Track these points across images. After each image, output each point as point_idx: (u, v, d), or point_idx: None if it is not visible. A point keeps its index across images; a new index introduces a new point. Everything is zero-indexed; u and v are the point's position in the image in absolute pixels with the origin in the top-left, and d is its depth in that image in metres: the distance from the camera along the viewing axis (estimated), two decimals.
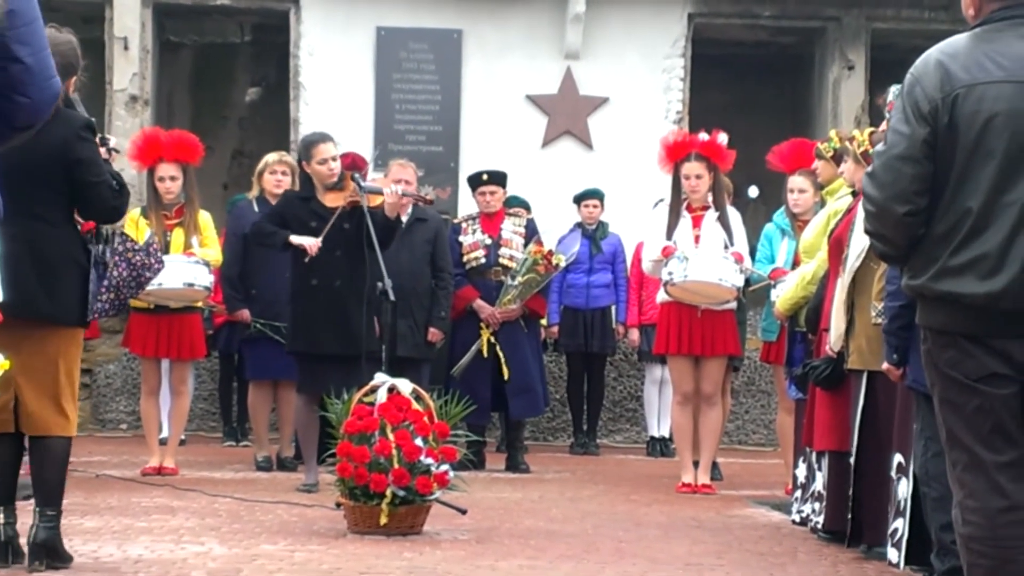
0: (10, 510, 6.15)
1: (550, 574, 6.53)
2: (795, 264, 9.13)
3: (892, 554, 6.63)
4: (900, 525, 6.54)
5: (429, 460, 7.38)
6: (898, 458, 6.61)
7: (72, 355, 6.16)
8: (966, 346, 4.09)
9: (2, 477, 6.18)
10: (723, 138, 9.98)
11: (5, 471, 6.19)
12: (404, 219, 9.46)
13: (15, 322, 5.82)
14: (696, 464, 10.09)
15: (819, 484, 7.84)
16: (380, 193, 9.27)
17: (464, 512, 7.68)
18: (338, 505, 7.73)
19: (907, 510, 6.46)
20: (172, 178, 10.09)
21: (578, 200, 12.91)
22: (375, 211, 9.13)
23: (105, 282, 6.18)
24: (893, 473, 6.65)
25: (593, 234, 12.73)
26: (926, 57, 4.23)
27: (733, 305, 9.99)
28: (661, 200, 10.68)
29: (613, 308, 12.84)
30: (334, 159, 9.26)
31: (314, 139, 9.39)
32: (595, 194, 12.87)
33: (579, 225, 12.84)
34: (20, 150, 5.05)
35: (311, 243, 9.04)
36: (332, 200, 9.18)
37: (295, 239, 9.10)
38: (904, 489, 6.52)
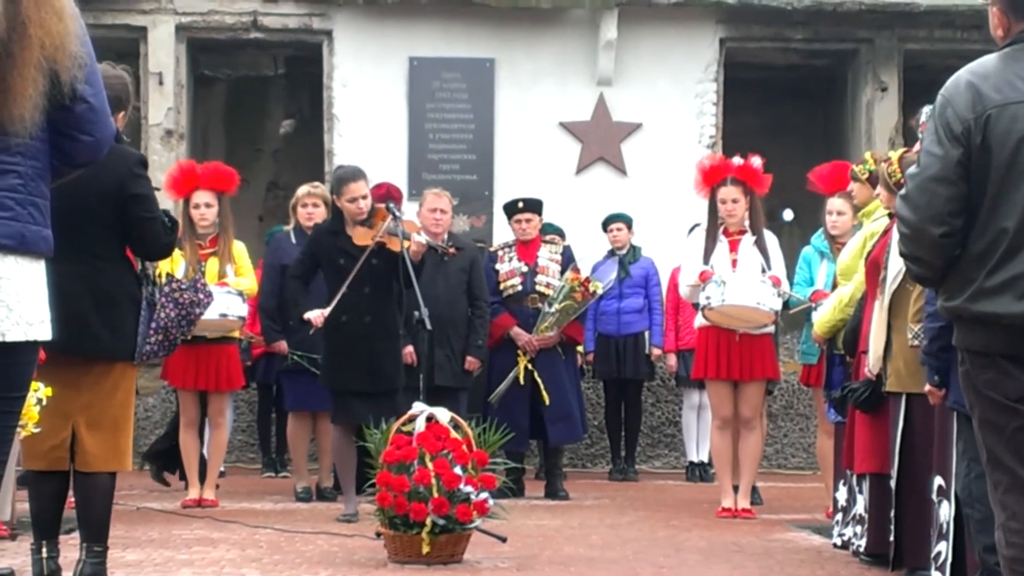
0: (53, 544, 6.19)
1: None
2: (835, 286, 9.11)
3: None
4: (944, 548, 6.49)
5: (468, 488, 7.38)
6: (938, 481, 6.58)
7: (128, 389, 6.24)
8: (1005, 366, 4.07)
9: (48, 513, 6.23)
10: (757, 162, 9.98)
11: (52, 507, 6.24)
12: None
13: (74, 359, 5.91)
14: (736, 488, 10.06)
15: (860, 507, 7.81)
16: (405, 238, 9.24)
17: (504, 540, 7.68)
18: (378, 535, 7.74)
19: (950, 533, 6.42)
20: (207, 205, 10.12)
21: (605, 225, 12.89)
22: (395, 252, 9.17)
23: (153, 324, 6.23)
24: (934, 496, 6.61)
25: (623, 259, 12.70)
26: (956, 78, 4.23)
27: (771, 329, 9.97)
28: (697, 225, 10.68)
29: (647, 333, 12.79)
30: (364, 197, 9.24)
31: (345, 176, 9.35)
32: (620, 218, 12.82)
33: (612, 251, 12.81)
34: (77, 188, 5.20)
35: (316, 318, 9.13)
36: (361, 237, 9.17)
37: (307, 315, 9.20)
38: (946, 512, 6.48)
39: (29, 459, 6.23)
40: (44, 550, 6.15)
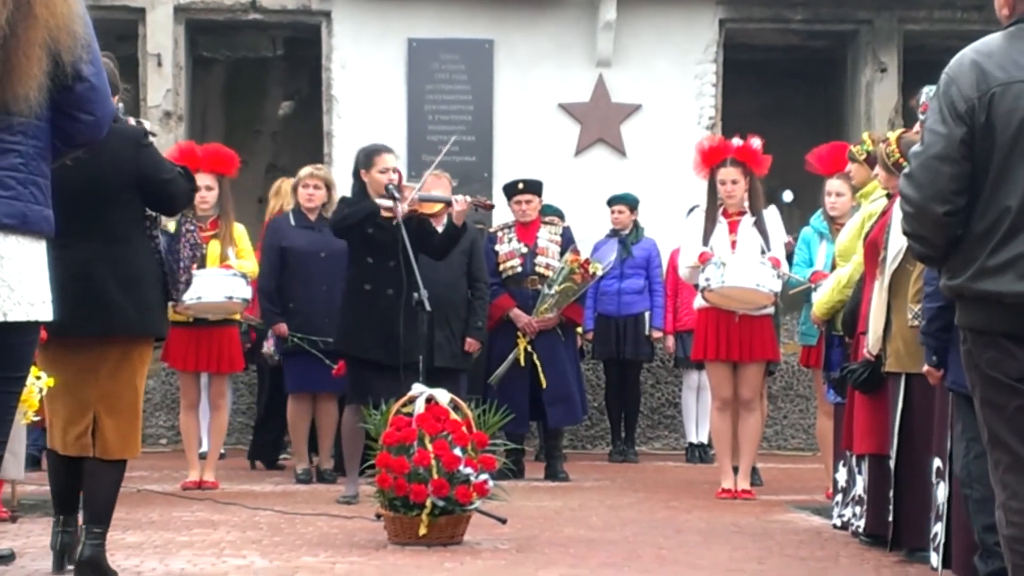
0: (71, 519, 6.25)
1: None
2: (834, 267, 9.11)
3: (933, 558, 6.60)
4: (940, 529, 6.51)
5: (468, 470, 7.38)
6: (937, 462, 6.58)
7: (144, 374, 6.27)
8: (1007, 346, 4.07)
9: (67, 490, 6.31)
10: (757, 143, 9.97)
11: (70, 484, 6.29)
12: (439, 229, 9.49)
13: (94, 344, 5.94)
14: (736, 470, 10.07)
15: (860, 488, 7.81)
16: (442, 202, 9.30)
17: (504, 521, 7.69)
18: (378, 516, 7.74)
19: (945, 514, 6.43)
20: (208, 188, 10.10)
21: (609, 204, 12.88)
22: (425, 220, 9.18)
23: (182, 264, 6.34)
24: (932, 477, 6.62)
25: (625, 239, 12.69)
26: (961, 57, 4.22)
27: (771, 310, 9.97)
28: (695, 207, 10.67)
29: (647, 314, 12.78)
30: (395, 170, 9.30)
31: (377, 149, 9.43)
32: (622, 199, 12.79)
33: (614, 231, 12.79)
34: (93, 172, 5.54)
35: (399, 209, 9.05)
36: (387, 211, 9.19)
37: (382, 202, 9.08)
38: (943, 493, 6.49)
39: (56, 443, 6.25)
40: (60, 525, 6.21)
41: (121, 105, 6.31)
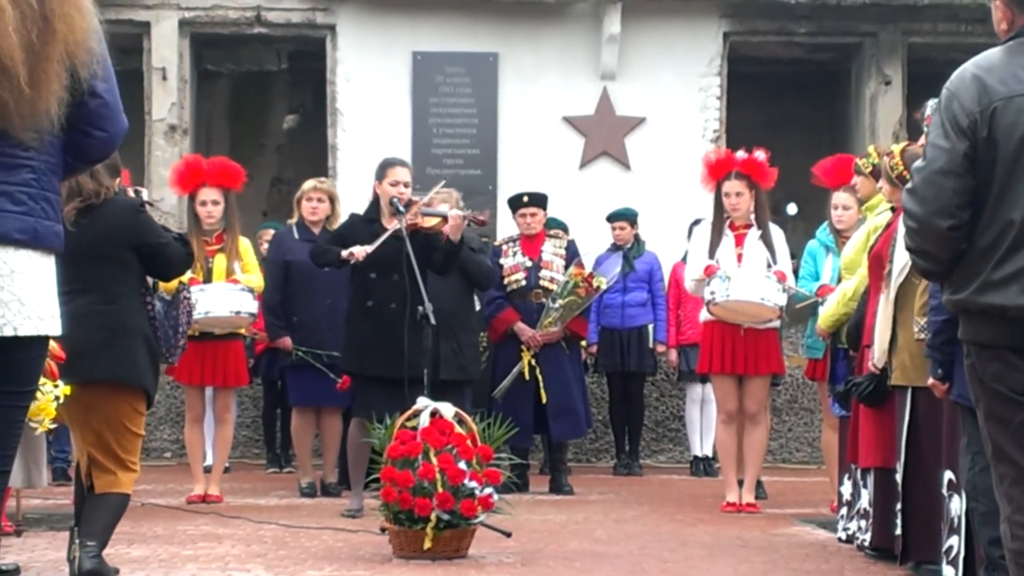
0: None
1: None
2: (840, 280, 9.10)
3: (948, 571, 6.57)
4: (955, 542, 6.48)
5: (473, 483, 7.38)
6: (948, 475, 6.57)
7: (137, 421, 6.49)
8: (1011, 359, 4.07)
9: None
10: (761, 156, 9.97)
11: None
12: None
13: (89, 391, 6.10)
14: (740, 483, 10.06)
15: (865, 501, 7.81)
16: (440, 216, 9.30)
17: (509, 535, 7.68)
18: (383, 530, 7.74)
19: (961, 527, 6.41)
20: (214, 202, 10.12)
21: (609, 220, 12.87)
22: (432, 235, 9.18)
23: (181, 329, 6.74)
24: (944, 490, 6.60)
25: (627, 253, 12.68)
26: (961, 71, 4.23)
27: (776, 324, 9.97)
28: (698, 221, 10.67)
29: (651, 327, 12.78)
30: (406, 185, 9.32)
31: (392, 162, 9.51)
32: (622, 216, 12.77)
33: (616, 246, 12.78)
34: (93, 238, 6.10)
35: (359, 251, 9.08)
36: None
37: (344, 252, 9.13)
38: (957, 506, 6.46)
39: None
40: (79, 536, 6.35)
41: (118, 181, 6.62)
